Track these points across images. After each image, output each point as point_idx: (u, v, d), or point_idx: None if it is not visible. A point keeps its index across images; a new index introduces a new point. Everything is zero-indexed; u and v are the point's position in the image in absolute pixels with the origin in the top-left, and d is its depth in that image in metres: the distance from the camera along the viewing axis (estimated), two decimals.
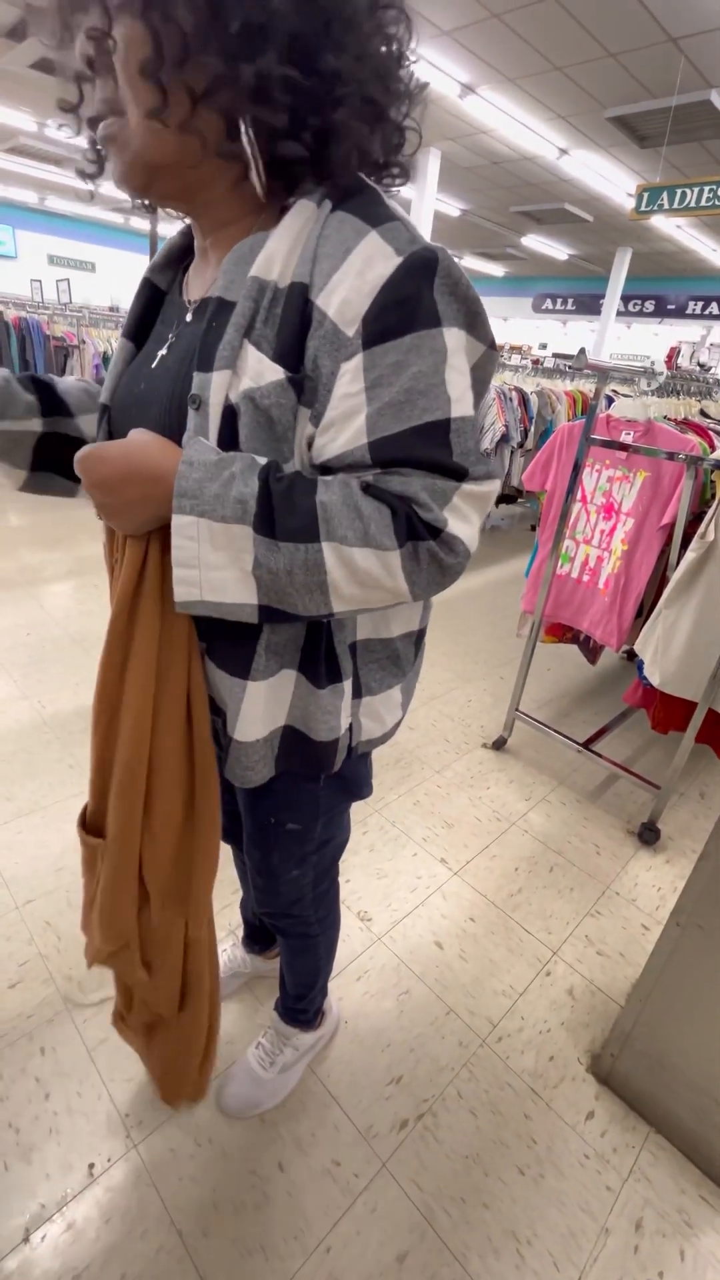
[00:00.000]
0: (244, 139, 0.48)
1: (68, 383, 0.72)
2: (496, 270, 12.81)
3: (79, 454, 0.53)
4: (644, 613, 1.87)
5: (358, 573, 0.50)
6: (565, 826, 1.81)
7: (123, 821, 0.65)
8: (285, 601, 0.52)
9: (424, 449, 0.50)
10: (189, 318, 0.59)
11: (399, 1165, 1.01)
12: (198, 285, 0.61)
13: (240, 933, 1.27)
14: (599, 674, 2.72)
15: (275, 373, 0.50)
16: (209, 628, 0.60)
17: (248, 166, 0.50)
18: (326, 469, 0.53)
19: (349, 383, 0.49)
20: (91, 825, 0.71)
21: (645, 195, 5.10)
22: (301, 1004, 1.07)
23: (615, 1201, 1.00)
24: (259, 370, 0.50)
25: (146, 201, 0.60)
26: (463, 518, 0.51)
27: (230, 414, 0.52)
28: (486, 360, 0.54)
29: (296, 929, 0.94)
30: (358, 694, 0.67)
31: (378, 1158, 1.02)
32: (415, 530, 0.49)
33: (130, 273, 12.09)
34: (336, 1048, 1.17)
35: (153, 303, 0.66)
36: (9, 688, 2.17)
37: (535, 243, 9.81)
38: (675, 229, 8.28)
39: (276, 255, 0.50)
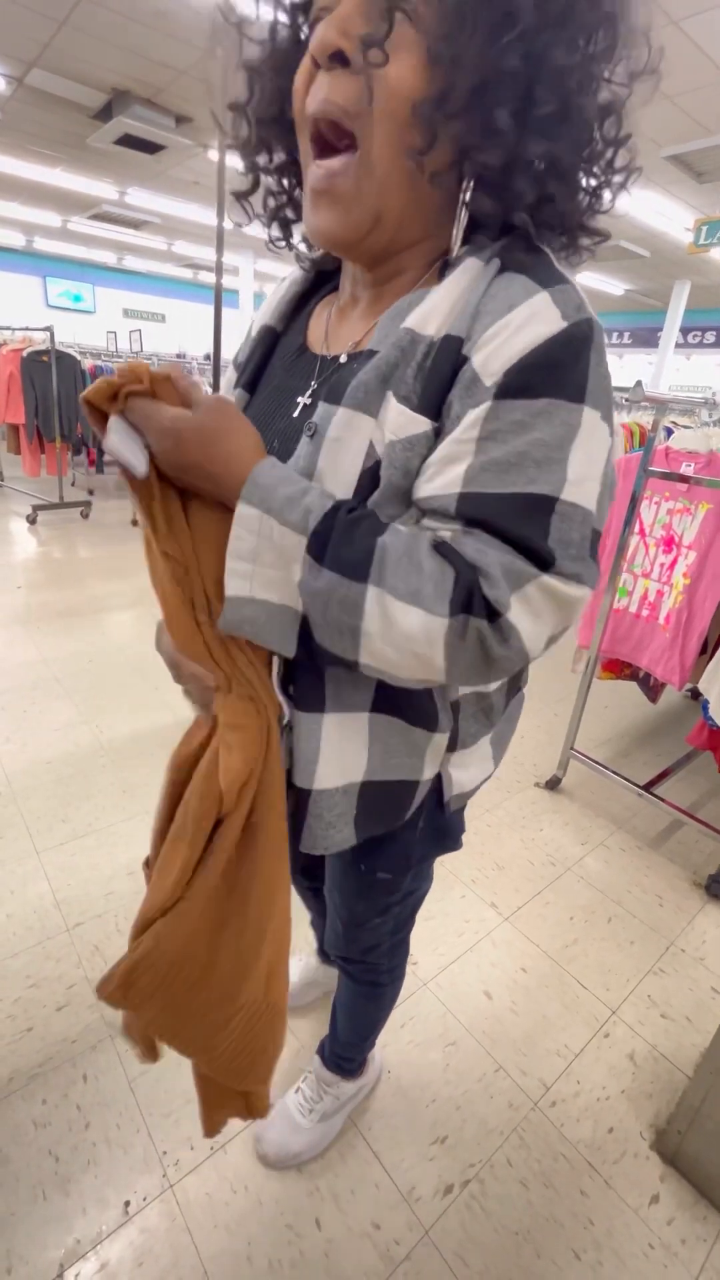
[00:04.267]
0: (462, 201, 0.48)
1: None
2: None
3: (170, 421, 0.48)
4: (709, 649, 1.78)
5: (394, 628, 0.45)
6: (625, 874, 1.71)
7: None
8: (317, 631, 0.48)
9: (516, 520, 0.45)
10: (336, 371, 0.56)
11: (443, 1235, 0.95)
12: (342, 338, 0.58)
13: (315, 943, 1.23)
14: (660, 713, 2.60)
15: (420, 425, 0.48)
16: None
17: (451, 224, 0.49)
18: (419, 506, 0.49)
19: (465, 429, 0.46)
20: None
21: (704, 229, 5.06)
22: (350, 1051, 1.04)
23: None
24: (400, 423, 0.48)
25: (292, 257, 0.62)
26: (532, 612, 0.45)
27: (373, 465, 0.49)
28: (611, 453, 0.50)
29: (367, 976, 0.92)
30: (452, 747, 0.64)
31: (420, 1224, 0.96)
32: (472, 604, 0.44)
33: (195, 321, 12.84)
34: (379, 1100, 1.12)
35: (269, 350, 0.64)
36: (70, 712, 2.26)
37: (590, 279, 9.84)
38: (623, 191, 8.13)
39: (436, 311, 0.48)
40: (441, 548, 0.46)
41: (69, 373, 4.75)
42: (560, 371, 0.45)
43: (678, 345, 10.75)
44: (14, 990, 1.26)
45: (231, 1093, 0.68)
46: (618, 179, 0.49)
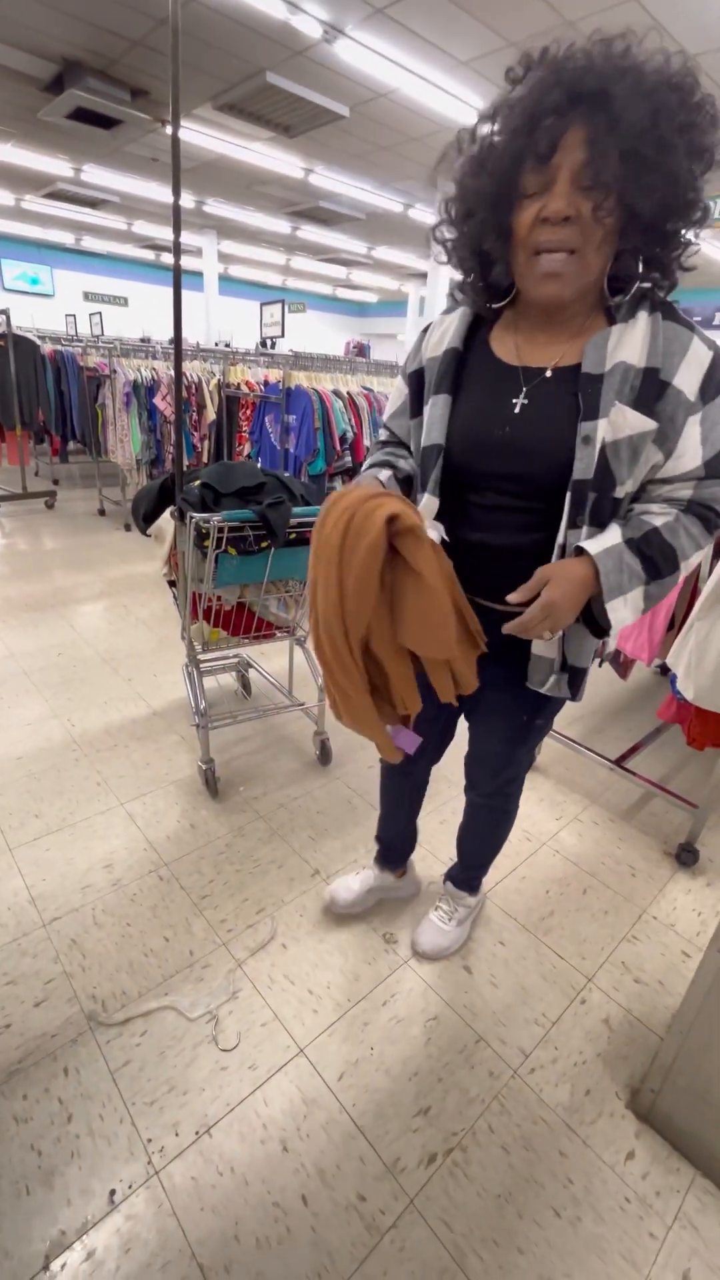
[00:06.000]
0: (635, 278, 0.81)
1: (383, 454, 1.03)
2: None
3: (545, 607, 0.81)
4: (675, 626, 1.81)
5: (690, 566, 0.85)
6: (598, 847, 1.75)
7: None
8: (650, 607, 0.87)
9: None
10: (545, 380, 0.85)
11: (427, 1202, 0.97)
12: (538, 356, 0.86)
13: (374, 854, 1.50)
14: (631, 689, 2.65)
15: (648, 424, 0.79)
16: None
17: (617, 290, 0.83)
18: (664, 480, 0.84)
19: (694, 428, 0.80)
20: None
21: None
22: (474, 871, 1.39)
23: (660, 1250, 0.94)
24: (636, 423, 0.78)
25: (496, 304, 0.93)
26: None
27: (603, 450, 0.79)
28: None
29: (502, 804, 1.28)
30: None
31: (405, 1194, 0.98)
32: (715, 524, 0.85)
33: (160, 304, 12.52)
34: (361, 1075, 1.13)
35: (460, 364, 0.91)
36: (40, 707, 2.22)
37: None
38: (700, 242, 8.23)
39: (635, 350, 0.78)
40: (692, 507, 0.84)
41: (28, 358, 4.60)
42: (718, 380, 0.79)
43: None
44: None
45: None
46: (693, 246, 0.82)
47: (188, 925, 1.41)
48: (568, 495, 0.82)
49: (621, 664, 2.14)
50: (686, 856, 1.70)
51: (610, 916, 1.52)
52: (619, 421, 0.77)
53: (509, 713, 1.09)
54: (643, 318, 0.78)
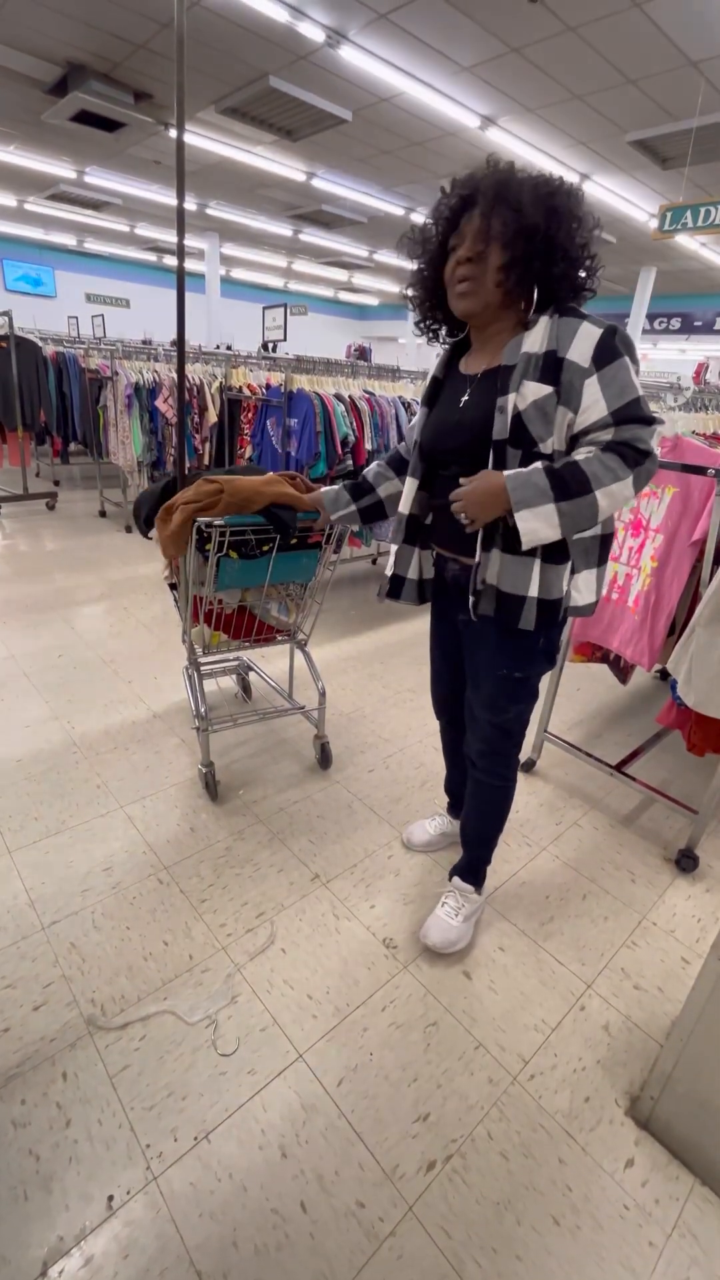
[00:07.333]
0: (533, 296, 1.09)
1: (369, 471, 1.46)
2: None
3: (467, 495, 1.08)
4: (676, 631, 1.81)
5: (613, 495, 1.01)
6: (598, 852, 1.75)
7: None
8: (576, 527, 1.04)
9: (635, 411, 1.01)
10: (478, 380, 1.13)
11: (426, 1210, 0.97)
12: (476, 364, 1.16)
13: (445, 805, 1.74)
14: (631, 694, 2.65)
15: (545, 389, 1.03)
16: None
17: (525, 307, 1.11)
18: (584, 432, 1.04)
19: (592, 387, 1.01)
20: None
21: (669, 215, 5.10)
22: (476, 855, 1.46)
23: (659, 1259, 0.93)
24: (537, 390, 1.03)
25: (431, 322, 1.25)
26: (655, 442, 1.03)
27: (518, 415, 1.03)
28: (636, 370, 1.04)
29: (497, 769, 1.35)
30: (572, 571, 1.14)
31: (404, 1200, 0.98)
32: (636, 459, 1.01)
33: (162, 306, 12.54)
34: (361, 1081, 1.13)
35: (438, 385, 1.23)
36: (40, 709, 2.22)
37: None
38: (700, 247, 8.25)
39: (535, 341, 1.04)
40: (609, 446, 1.02)
41: (30, 359, 4.60)
42: (610, 350, 1.01)
43: (644, 332, 10.86)
44: None
45: None
46: (597, 267, 1.10)
47: (187, 929, 1.41)
48: (491, 453, 1.08)
49: (622, 669, 2.14)
50: (686, 862, 1.70)
51: (610, 922, 1.52)
52: (525, 392, 1.03)
53: (486, 662, 1.26)
54: (543, 320, 1.05)
